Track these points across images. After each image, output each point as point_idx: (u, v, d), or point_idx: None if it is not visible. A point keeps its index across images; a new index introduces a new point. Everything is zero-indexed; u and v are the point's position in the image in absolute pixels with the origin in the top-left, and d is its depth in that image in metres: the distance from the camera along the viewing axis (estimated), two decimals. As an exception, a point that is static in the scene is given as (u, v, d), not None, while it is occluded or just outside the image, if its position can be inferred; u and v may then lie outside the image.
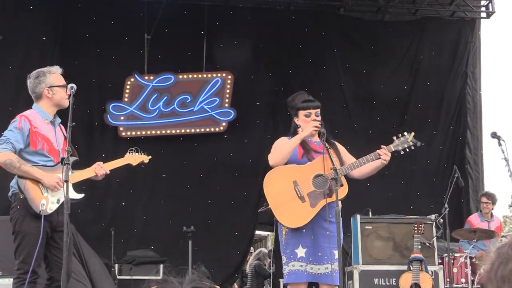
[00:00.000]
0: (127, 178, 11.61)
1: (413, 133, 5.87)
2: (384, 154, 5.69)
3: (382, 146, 5.77)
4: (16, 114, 5.59)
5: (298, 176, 5.65)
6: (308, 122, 5.74)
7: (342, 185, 5.42)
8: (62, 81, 5.60)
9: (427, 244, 8.56)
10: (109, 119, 11.94)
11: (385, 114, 12.61)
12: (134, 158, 6.11)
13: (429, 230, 8.70)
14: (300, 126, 5.83)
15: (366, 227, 8.80)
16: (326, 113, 11.75)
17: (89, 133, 11.97)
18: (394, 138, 5.85)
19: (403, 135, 5.87)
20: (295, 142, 5.68)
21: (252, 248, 15.29)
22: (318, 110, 5.82)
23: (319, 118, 5.78)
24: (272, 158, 5.74)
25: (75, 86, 5.33)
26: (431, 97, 12.89)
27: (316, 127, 5.62)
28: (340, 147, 5.96)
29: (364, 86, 12.81)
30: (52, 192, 5.36)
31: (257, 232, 14.28)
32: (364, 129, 12.50)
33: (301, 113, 5.81)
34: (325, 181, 5.56)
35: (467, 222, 10.33)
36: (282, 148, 5.72)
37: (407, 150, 5.86)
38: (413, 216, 8.91)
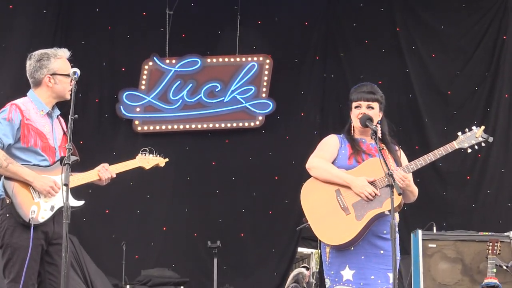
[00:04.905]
0: (143, 181, 11.67)
1: (483, 127, 5.86)
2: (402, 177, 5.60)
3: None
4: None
5: None
6: (357, 116, 5.77)
7: (400, 194, 5.37)
8: (68, 69, 5.60)
9: (504, 267, 8.50)
10: (122, 110, 12.09)
11: (463, 107, 12.51)
12: (147, 160, 6.12)
13: (507, 250, 8.64)
14: (352, 122, 5.87)
15: (429, 245, 8.75)
16: (388, 105, 11.78)
17: (97, 127, 12.13)
18: (459, 133, 5.85)
19: (470, 130, 5.86)
20: (337, 179, 5.65)
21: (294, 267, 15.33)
22: (372, 103, 5.79)
23: (373, 112, 5.77)
24: (314, 168, 5.76)
25: (78, 72, 5.37)
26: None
27: (366, 197, 5.53)
28: (403, 156, 5.94)
29: (434, 72, 12.72)
30: (45, 197, 5.41)
31: (299, 249, 14.28)
32: (437, 125, 12.43)
33: (353, 105, 5.86)
34: (376, 188, 5.56)
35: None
36: (327, 168, 5.69)
37: (476, 147, 5.85)
38: (487, 233, 8.84)
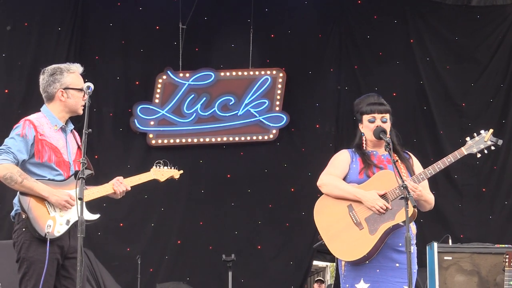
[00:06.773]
0: (157, 194, 11.72)
1: (491, 130, 5.79)
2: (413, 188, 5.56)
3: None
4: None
5: None
6: (372, 129, 5.76)
7: (414, 206, 5.28)
8: (80, 84, 5.68)
9: (521, 280, 8.45)
10: (137, 124, 12.11)
11: (478, 119, 12.45)
12: (161, 173, 6.17)
13: (525, 263, 8.58)
14: (364, 134, 5.87)
15: (445, 258, 8.71)
16: (402, 117, 11.84)
17: (111, 140, 12.15)
18: (467, 139, 5.79)
19: (478, 134, 5.80)
20: (348, 194, 5.67)
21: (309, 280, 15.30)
22: (386, 115, 5.81)
23: (387, 124, 5.78)
24: (324, 185, 5.79)
25: (92, 86, 5.42)
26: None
27: (378, 210, 5.53)
28: (416, 162, 5.95)
29: (449, 84, 12.71)
30: (60, 211, 5.45)
31: (314, 262, 14.24)
32: (452, 138, 12.31)
33: (365, 117, 5.83)
34: (387, 201, 5.54)
35: None
36: (337, 184, 5.72)
37: (486, 151, 5.77)
38: (503, 245, 8.79)
